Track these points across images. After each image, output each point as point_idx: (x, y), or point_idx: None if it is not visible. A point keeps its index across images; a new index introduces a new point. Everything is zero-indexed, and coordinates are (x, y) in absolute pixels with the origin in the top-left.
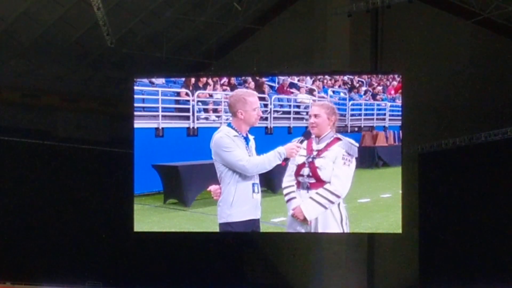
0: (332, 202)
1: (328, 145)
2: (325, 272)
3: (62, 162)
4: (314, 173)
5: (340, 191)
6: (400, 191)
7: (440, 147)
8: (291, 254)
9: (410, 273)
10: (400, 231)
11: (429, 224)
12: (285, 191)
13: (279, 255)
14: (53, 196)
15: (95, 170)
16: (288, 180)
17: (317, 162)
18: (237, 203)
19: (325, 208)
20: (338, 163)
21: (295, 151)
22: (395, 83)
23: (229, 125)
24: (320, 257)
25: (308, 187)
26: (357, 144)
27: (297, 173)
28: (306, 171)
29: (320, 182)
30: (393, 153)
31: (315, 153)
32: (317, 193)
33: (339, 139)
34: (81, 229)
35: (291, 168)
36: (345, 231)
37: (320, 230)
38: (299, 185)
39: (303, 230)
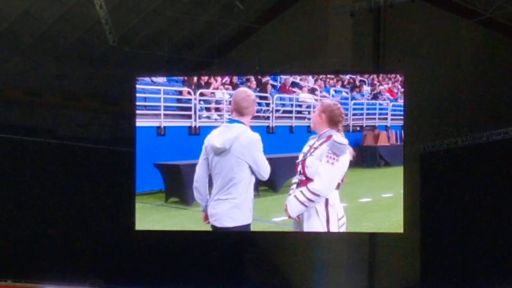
0: (311, 201)
1: (322, 143)
2: (326, 272)
3: (63, 160)
4: (303, 171)
5: (318, 190)
6: (402, 191)
7: (442, 146)
8: (292, 253)
9: (411, 273)
10: (401, 230)
11: (430, 224)
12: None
13: (280, 254)
14: (54, 194)
15: (97, 168)
16: (295, 177)
17: (308, 160)
18: (251, 207)
19: (305, 206)
20: (322, 161)
21: None
22: (386, 86)
23: (238, 122)
24: (321, 256)
25: (299, 185)
26: (345, 142)
27: (296, 171)
28: (299, 168)
29: (308, 180)
30: (394, 153)
31: (312, 150)
32: (300, 191)
33: (331, 137)
34: (82, 227)
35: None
36: (330, 230)
37: (305, 229)
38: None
39: (293, 229)
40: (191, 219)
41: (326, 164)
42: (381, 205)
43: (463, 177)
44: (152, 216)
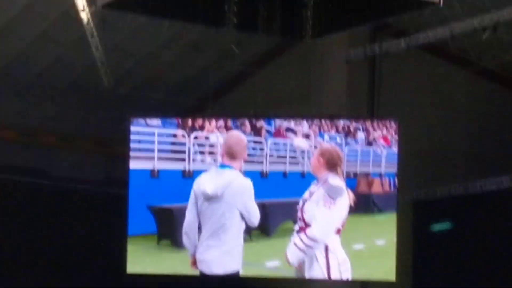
0: (309, 247)
1: (319, 187)
2: None
3: (56, 201)
4: (302, 217)
5: (314, 235)
6: (395, 239)
7: (435, 195)
8: None
9: None
10: (393, 279)
11: (422, 272)
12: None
13: None
14: (47, 235)
15: (90, 210)
16: (296, 224)
17: (306, 205)
18: (241, 253)
19: (304, 253)
20: (319, 205)
21: None
22: (381, 133)
23: (230, 168)
24: None
25: (298, 231)
26: (341, 184)
27: (296, 217)
28: (299, 214)
29: (307, 226)
30: (388, 200)
31: (310, 195)
32: (299, 237)
33: (327, 181)
34: (74, 269)
35: None
36: (334, 278)
37: (306, 276)
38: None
39: (295, 276)
40: (182, 262)
41: (322, 207)
42: (374, 252)
43: (456, 226)
44: (144, 258)
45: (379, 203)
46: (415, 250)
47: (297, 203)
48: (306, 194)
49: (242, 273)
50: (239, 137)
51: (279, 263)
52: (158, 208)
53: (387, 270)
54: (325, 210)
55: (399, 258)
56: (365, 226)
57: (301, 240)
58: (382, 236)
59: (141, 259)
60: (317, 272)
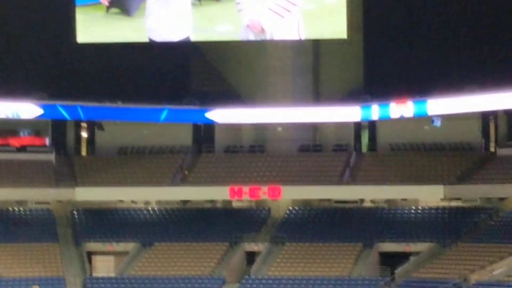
0: (288, 11)
1: None
2: (271, 79)
3: None
4: None
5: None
6: None
7: None
8: (237, 62)
9: (355, 77)
10: (345, 36)
11: (374, 28)
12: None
13: (225, 63)
14: None
15: None
16: None
17: None
18: (190, 18)
19: (282, 17)
20: None
21: None
22: None
23: None
24: (266, 64)
25: None
26: None
27: None
28: None
29: None
30: None
31: None
32: (275, 3)
33: None
34: (24, 39)
35: None
36: (301, 37)
37: (276, 38)
38: None
39: (258, 39)
40: (133, 30)
41: None
42: (325, 11)
43: None
44: (94, 27)
45: None
46: (366, 7)
47: None
48: None
49: (193, 38)
50: None
51: (230, 27)
52: None
53: (338, 29)
54: None
55: (350, 15)
56: None
57: (279, 5)
58: None
59: (91, 28)
60: (290, 32)
